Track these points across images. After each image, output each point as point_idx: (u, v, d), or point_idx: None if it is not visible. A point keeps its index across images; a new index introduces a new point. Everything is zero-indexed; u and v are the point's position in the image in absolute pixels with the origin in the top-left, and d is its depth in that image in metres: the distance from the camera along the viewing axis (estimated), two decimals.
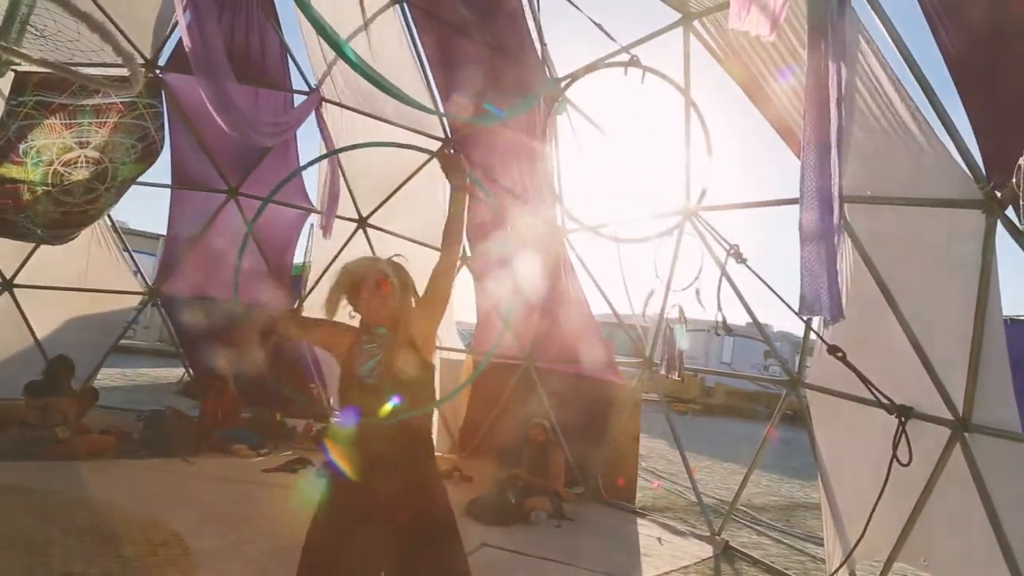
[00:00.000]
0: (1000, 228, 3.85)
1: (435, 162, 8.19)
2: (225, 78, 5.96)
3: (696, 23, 5.27)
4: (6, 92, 6.84)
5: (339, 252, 8.82)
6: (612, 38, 4.88)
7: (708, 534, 6.59)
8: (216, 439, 7.50)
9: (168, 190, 8.54)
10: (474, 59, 7.01)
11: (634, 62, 4.45)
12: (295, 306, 9.03)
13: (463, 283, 8.91)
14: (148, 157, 7.42)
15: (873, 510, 4.85)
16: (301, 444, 8.14)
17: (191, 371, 10.69)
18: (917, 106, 3.97)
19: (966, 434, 4.32)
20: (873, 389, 4.79)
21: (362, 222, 8.77)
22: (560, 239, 7.68)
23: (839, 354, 4.82)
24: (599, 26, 4.60)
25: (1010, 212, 3.66)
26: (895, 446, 4.69)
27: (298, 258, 9.54)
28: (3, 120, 6.61)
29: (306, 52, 7.60)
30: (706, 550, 6.23)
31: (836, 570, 5.24)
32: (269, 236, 8.85)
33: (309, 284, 8.98)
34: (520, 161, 7.48)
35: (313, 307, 8.38)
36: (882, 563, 5.05)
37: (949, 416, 4.43)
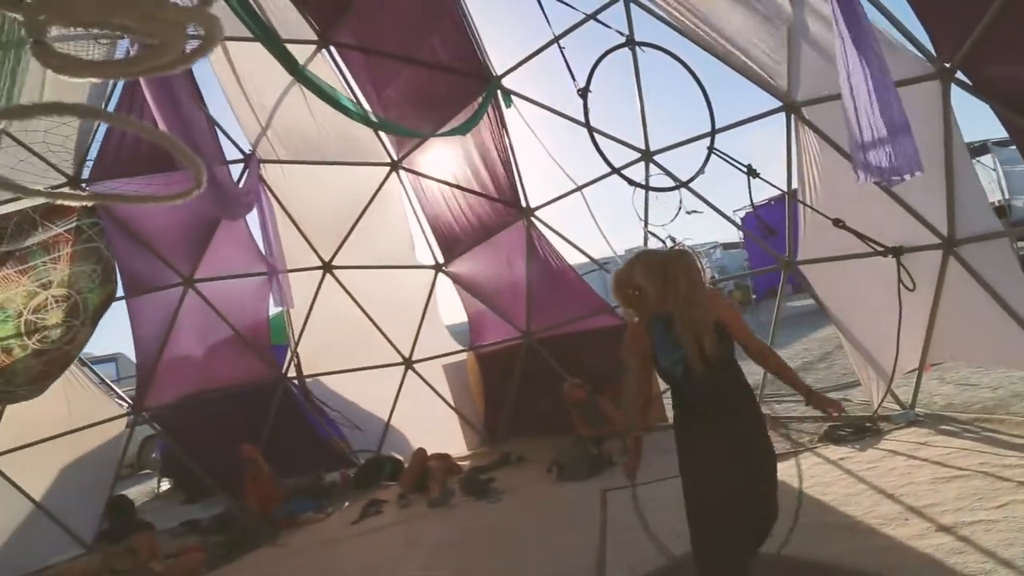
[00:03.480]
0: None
1: (388, 184, 8.55)
2: (214, 161, 5.95)
3: None
4: None
5: (313, 301, 8.83)
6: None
7: None
8: (280, 519, 7.43)
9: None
10: (412, 81, 7.36)
11: (630, 40, 5.16)
12: (287, 365, 8.97)
13: (445, 287, 9.27)
14: (110, 276, 7.14)
15: (899, 333, 6.05)
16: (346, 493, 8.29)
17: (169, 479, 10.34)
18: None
19: (956, 249, 5.54)
20: (869, 242, 5.98)
21: (327, 267, 8.82)
22: (527, 218, 8.27)
23: (841, 223, 5.96)
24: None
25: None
26: (899, 278, 5.92)
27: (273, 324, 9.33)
28: None
29: (235, 120, 7.53)
30: None
31: (885, 394, 6.41)
32: (236, 312, 8.63)
33: (296, 334, 8.91)
34: (475, 158, 7.95)
35: (310, 356, 8.40)
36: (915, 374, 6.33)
37: (936, 240, 5.64)
